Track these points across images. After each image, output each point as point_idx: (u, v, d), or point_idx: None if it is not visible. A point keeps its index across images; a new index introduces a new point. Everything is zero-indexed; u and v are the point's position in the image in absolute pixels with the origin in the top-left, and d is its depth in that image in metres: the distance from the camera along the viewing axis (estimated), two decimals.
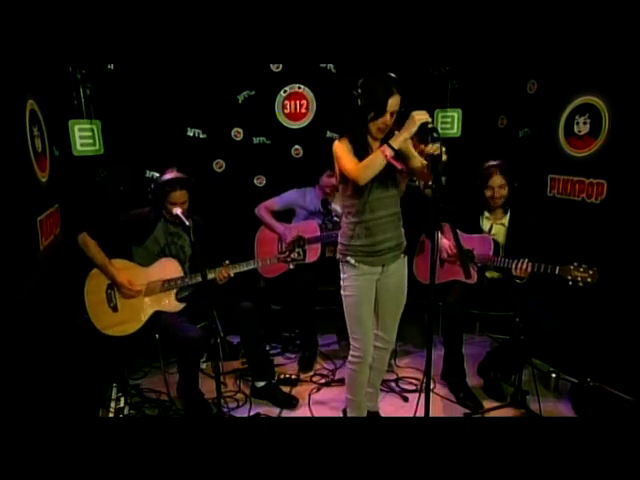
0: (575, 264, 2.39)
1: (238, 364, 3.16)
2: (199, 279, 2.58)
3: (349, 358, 2.34)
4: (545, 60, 3.01)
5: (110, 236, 2.59)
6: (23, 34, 2.17)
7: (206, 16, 2.52)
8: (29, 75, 2.28)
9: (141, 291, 2.59)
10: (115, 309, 2.57)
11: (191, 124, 3.45)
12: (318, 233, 3.21)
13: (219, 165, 3.58)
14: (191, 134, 3.47)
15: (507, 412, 2.65)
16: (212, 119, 3.46)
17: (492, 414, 2.63)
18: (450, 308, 2.76)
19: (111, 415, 2.47)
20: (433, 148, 1.79)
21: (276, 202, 3.34)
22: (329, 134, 3.57)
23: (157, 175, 3.02)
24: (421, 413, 1.88)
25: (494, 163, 2.73)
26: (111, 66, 3.15)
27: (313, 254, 3.20)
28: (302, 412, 2.72)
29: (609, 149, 2.65)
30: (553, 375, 2.87)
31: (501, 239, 2.79)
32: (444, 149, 1.80)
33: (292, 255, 2.73)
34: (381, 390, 2.68)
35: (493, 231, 2.80)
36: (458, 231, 2.08)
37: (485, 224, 2.83)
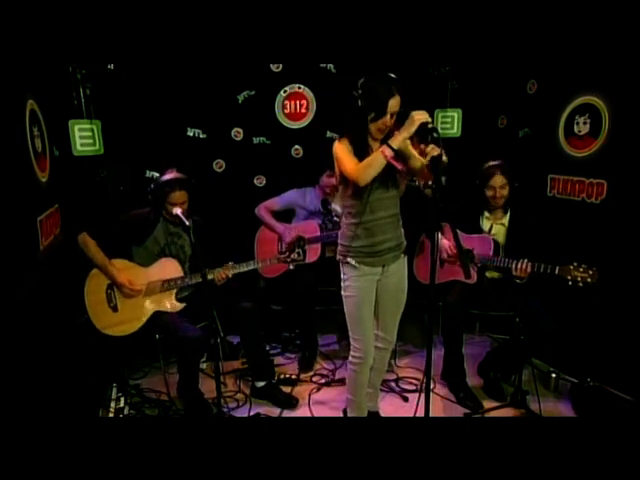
0: (575, 264, 2.39)
1: (238, 364, 3.16)
2: (199, 279, 2.58)
3: (350, 359, 2.33)
4: (545, 60, 3.01)
5: (110, 236, 2.59)
6: (23, 34, 2.17)
7: (206, 16, 2.52)
8: (29, 75, 2.28)
9: (141, 291, 2.59)
10: (115, 309, 2.57)
11: (191, 124, 3.45)
12: (318, 233, 3.21)
13: (219, 165, 3.58)
14: (191, 134, 3.47)
15: (507, 412, 2.65)
16: (212, 119, 3.46)
17: (492, 414, 2.63)
18: (450, 308, 2.76)
19: (111, 415, 2.47)
20: (433, 148, 1.80)
21: (276, 202, 3.34)
22: (329, 134, 3.57)
23: (157, 175, 3.02)
24: (421, 413, 1.88)
25: (495, 163, 2.73)
26: (111, 66, 3.16)
27: (313, 254, 3.20)
28: (302, 412, 2.72)
29: (609, 149, 2.65)
30: (553, 375, 2.88)
31: (501, 239, 2.79)
32: (444, 151, 1.80)
33: (292, 255, 2.73)
34: (381, 390, 2.68)
35: (493, 231, 2.80)
36: (458, 231, 2.08)
37: (485, 224, 2.83)
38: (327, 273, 2.94)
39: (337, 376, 3.06)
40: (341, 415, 2.62)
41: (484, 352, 2.99)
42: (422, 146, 1.89)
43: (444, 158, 1.84)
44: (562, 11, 2.51)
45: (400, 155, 2.04)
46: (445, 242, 2.84)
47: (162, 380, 2.85)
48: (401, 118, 1.95)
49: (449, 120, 3.55)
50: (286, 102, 3.54)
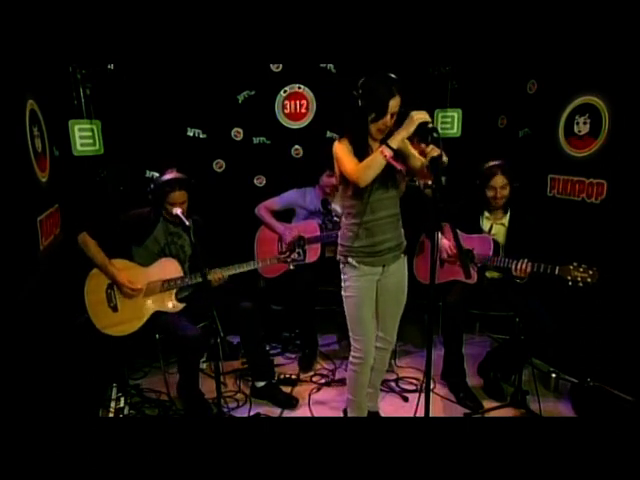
0: (575, 264, 2.39)
1: (238, 364, 3.16)
2: (199, 279, 2.58)
3: (350, 359, 2.33)
4: (545, 60, 3.01)
5: (110, 236, 2.59)
6: (23, 34, 2.17)
7: (206, 16, 2.52)
8: (29, 75, 2.28)
9: (142, 290, 2.59)
10: (115, 309, 2.57)
11: (191, 124, 3.45)
12: (318, 233, 3.21)
13: (219, 165, 3.58)
14: (191, 134, 3.47)
15: (507, 412, 2.65)
16: (212, 119, 3.46)
17: (492, 414, 2.63)
18: (450, 308, 2.76)
19: (111, 415, 2.47)
20: (433, 149, 1.80)
21: (276, 202, 3.34)
22: (329, 134, 3.57)
23: (157, 175, 3.02)
24: (421, 413, 1.88)
25: (496, 163, 2.73)
26: (111, 66, 3.16)
27: (313, 254, 3.20)
28: (302, 412, 2.72)
29: (609, 149, 2.65)
30: (553, 375, 2.88)
31: (501, 239, 2.79)
32: (444, 152, 1.80)
33: (292, 255, 2.73)
34: (381, 390, 2.68)
35: (493, 231, 2.80)
36: (458, 231, 2.08)
37: (485, 224, 2.82)
38: (327, 273, 2.94)
39: (337, 376, 3.06)
40: (341, 415, 2.62)
41: (484, 352, 2.99)
42: (422, 145, 1.89)
43: (444, 159, 1.84)
44: (562, 11, 2.51)
45: (399, 155, 2.04)
46: (445, 242, 2.84)
47: (162, 380, 2.85)
48: (401, 118, 1.95)
49: (449, 120, 3.55)
50: (286, 102, 3.54)
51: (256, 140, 3.57)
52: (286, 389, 2.88)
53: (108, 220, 2.84)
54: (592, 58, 2.70)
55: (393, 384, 2.98)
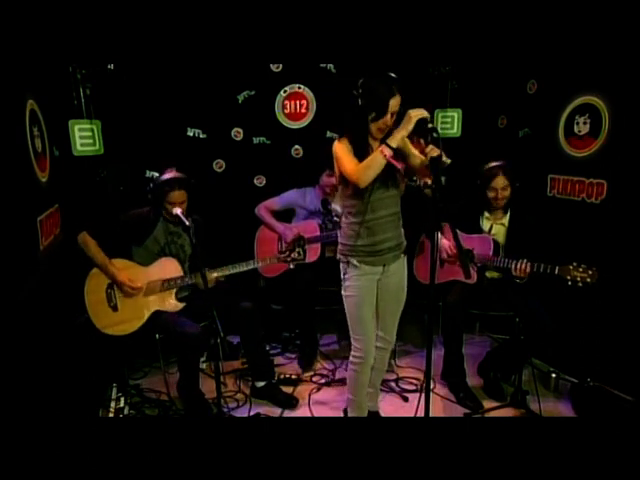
0: (574, 264, 2.39)
1: (238, 364, 3.16)
2: (199, 279, 2.58)
3: (350, 359, 2.33)
4: (545, 60, 3.01)
5: (110, 236, 2.59)
6: (23, 34, 2.17)
7: (206, 16, 2.52)
8: (29, 75, 2.28)
9: (142, 288, 2.59)
10: (115, 309, 2.57)
11: (191, 124, 3.45)
12: (318, 233, 3.21)
13: (219, 165, 3.58)
14: (191, 134, 3.47)
15: (507, 412, 2.65)
16: (212, 119, 3.46)
17: (492, 414, 2.63)
18: (450, 308, 2.76)
19: (111, 415, 2.47)
20: (432, 149, 1.80)
21: (276, 202, 3.34)
22: (329, 134, 3.57)
23: (157, 175, 3.02)
24: (421, 413, 1.88)
25: (497, 164, 2.71)
26: (111, 66, 3.16)
27: (313, 254, 3.20)
28: (302, 412, 2.72)
29: (609, 149, 2.65)
30: (553, 375, 2.87)
31: (501, 239, 2.79)
32: (444, 152, 1.80)
33: (292, 255, 2.73)
34: (381, 390, 2.68)
35: (493, 231, 2.79)
36: (458, 231, 2.08)
37: (485, 224, 2.82)
38: (327, 273, 2.94)
39: (337, 376, 3.06)
40: (341, 415, 2.62)
41: (484, 352, 2.99)
42: (422, 141, 1.89)
43: (445, 159, 1.84)
44: (562, 11, 2.51)
45: (399, 154, 2.04)
46: (445, 242, 2.84)
47: (162, 380, 2.85)
48: (401, 118, 1.95)
49: (449, 120, 3.55)
50: (286, 102, 3.54)
51: (256, 140, 3.57)
52: (286, 389, 2.87)
53: (108, 220, 2.84)
54: (592, 58, 2.70)
55: (393, 384, 2.98)
